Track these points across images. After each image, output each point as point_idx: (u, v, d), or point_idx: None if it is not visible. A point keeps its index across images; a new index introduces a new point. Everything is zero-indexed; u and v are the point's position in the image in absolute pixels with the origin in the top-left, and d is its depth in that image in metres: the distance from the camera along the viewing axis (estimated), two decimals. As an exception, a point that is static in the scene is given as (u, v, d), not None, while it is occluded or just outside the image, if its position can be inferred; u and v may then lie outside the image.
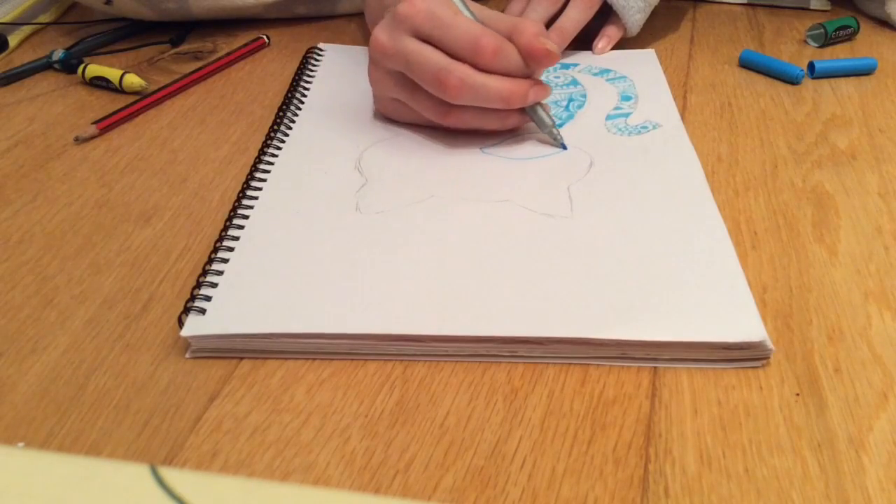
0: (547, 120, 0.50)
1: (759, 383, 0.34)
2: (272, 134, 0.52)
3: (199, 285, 0.38)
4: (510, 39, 0.47)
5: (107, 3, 0.66)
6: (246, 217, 0.43)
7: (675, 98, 0.55)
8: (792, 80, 0.59)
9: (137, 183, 0.49)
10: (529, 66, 0.47)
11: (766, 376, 0.34)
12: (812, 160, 0.50)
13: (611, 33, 0.62)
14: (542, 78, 0.49)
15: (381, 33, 0.48)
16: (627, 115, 0.53)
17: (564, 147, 0.50)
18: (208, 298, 0.37)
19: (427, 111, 0.49)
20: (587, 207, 0.44)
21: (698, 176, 0.46)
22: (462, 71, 0.46)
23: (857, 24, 0.65)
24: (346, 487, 0.30)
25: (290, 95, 0.57)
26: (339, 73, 0.60)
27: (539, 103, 0.49)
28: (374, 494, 0.30)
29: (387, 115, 0.53)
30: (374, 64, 0.50)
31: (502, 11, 0.64)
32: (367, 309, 0.36)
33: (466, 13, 0.48)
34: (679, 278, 0.38)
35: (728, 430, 0.32)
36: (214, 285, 0.38)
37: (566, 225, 0.42)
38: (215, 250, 0.41)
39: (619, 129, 0.52)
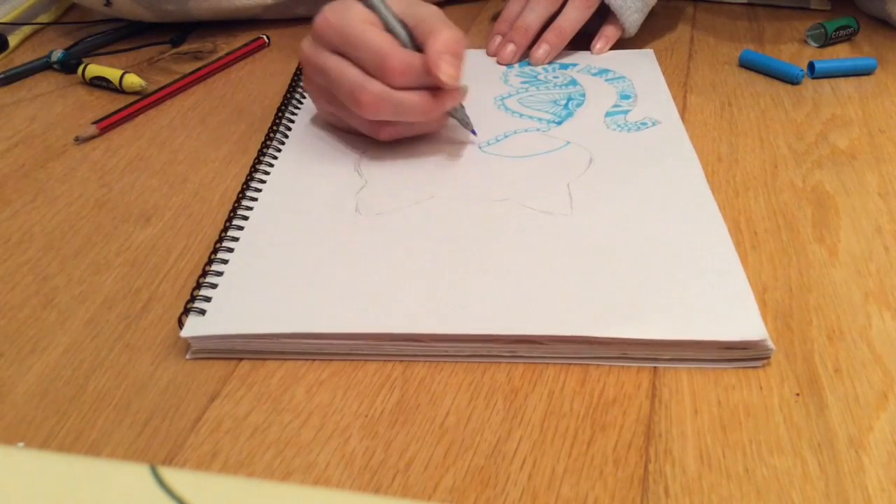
0: (467, 120, 0.49)
1: (759, 383, 0.34)
2: (272, 134, 0.51)
3: (198, 286, 0.38)
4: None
5: (106, 5, 0.66)
6: (246, 217, 0.43)
7: (674, 98, 0.55)
8: (792, 80, 0.59)
9: (137, 183, 0.49)
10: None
11: (766, 376, 0.34)
12: (812, 160, 0.49)
13: (609, 33, 0.62)
14: (540, 77, 0.49)
15: (305, 45, 0.47)
16: (626, 113, 0.53)
17: (474, 132, 0.50)
18: (208, 299, 0.37)
19: (360, 127, 0.48)
20: (587, 205, 0.43)
21: (698, 173, 0.46)
22: (375, 87, 0.44)
23: (857, 24, 0.65)
24: (346, 487, 0.30)
25: (290, 95, 0.57)
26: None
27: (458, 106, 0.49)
28: (374, 494, 0.30)
29: (329, 123, 0.52)
30: (306, 76, 0.49)
31: (500, 11, 0.64)
32: (367, 309, 0.36)
33: (390, 18, 0.46)
34: (679, 277, 0.38)
35: (728, 430, 0.32)
36: (214, 286, 0.38)
37: (566, 223, 0.42)
38: (215, 250, 0.41)
39: (619, 126, 0.52)
